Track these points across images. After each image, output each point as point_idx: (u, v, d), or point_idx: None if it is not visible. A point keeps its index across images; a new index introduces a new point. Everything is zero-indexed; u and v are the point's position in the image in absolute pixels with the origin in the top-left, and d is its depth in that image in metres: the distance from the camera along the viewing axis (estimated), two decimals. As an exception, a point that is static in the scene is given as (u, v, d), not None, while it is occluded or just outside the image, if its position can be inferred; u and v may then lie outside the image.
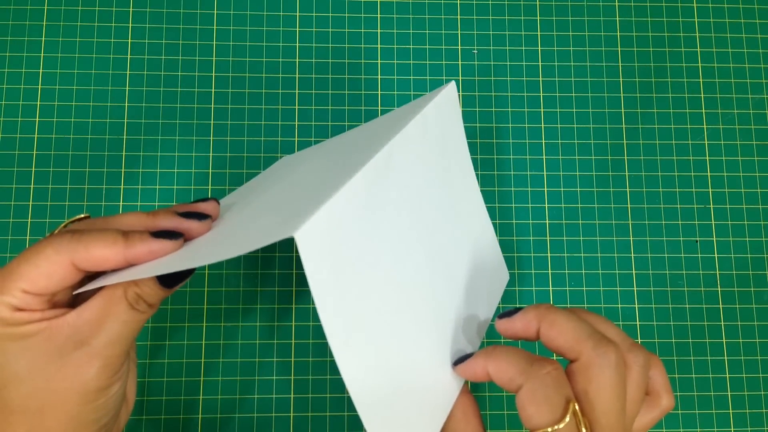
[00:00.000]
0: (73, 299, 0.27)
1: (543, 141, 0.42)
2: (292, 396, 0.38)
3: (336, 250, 0.22)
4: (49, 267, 0.25)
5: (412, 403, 0.25)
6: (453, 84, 0.30)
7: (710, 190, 0.42)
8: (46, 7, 0.41)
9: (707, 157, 0.42)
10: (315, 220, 0.20)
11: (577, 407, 0.24)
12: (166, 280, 0.26)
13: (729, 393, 0.40)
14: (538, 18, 0.43)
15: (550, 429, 0.23)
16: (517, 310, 0.27)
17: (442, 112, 0.30)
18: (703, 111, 0.43)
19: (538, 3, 0.43)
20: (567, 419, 0.23)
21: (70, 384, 0.25)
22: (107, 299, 0.26)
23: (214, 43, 0.41)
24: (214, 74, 0.41)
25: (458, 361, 0.27)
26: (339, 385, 0.38)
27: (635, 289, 0.40)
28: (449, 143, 0.30)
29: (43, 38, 0.41)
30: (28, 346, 0.25)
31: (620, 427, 0.24)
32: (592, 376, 0.24)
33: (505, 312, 0.27)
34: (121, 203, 0.39)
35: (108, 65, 0.41)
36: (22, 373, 0.25)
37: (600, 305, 0.40)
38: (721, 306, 0.41)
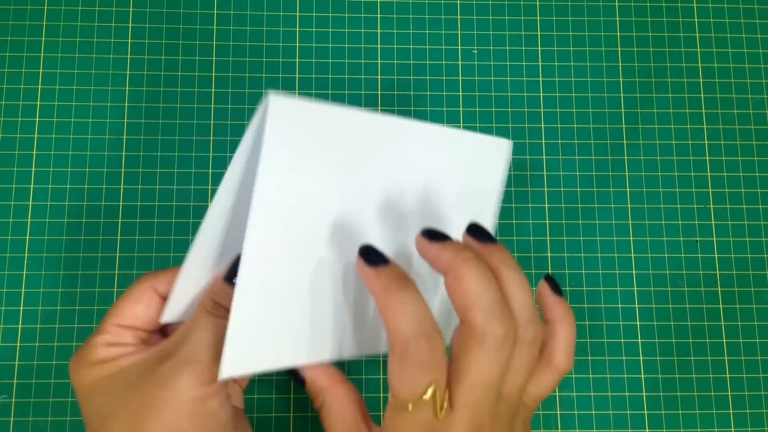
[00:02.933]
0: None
1: (543, 141, 0.42)
2: (292, 396, 0.38)
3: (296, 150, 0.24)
4: (133, 296, 0.28)
5: (278, 327, 0.26)
6: (507, 142, 0.31)
7: (710, 190, 0.42)
8: (46, 7, 0.41)
9: (707, 157, 0.42)
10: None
11: (437, 392, 0.23)
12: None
13: (729, 393, 0.40)
14: (538, 18, 0.43)
15: (410, 405, 0.23)
16: (443, 237, 0.26)
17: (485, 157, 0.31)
18: (703, 111, 0.43)
19: (538, 3, 0.43)
20: (425, 397, 0.23)
21: (162, 393, 0.25)
22: (191, 318, 0.27)
23: (214, 43, 0.41)
24: (214, 74, 0.41)
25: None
26: (339, 385, 0.38)
27: (635, 289, 0.40)
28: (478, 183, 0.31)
29: (43, 38, 0.41)
30: (122, 376, 0.26)
31: (485, 400, 0.24)
32: (467, 348, 0.24)
33: (430, 230, 0.26)
34: (121, 203, 0.39)
35: (108, 65, 0.41)
36: (120, 403, 0.26)
37: (600, 305, 0.40)
38: (721, 306, 0.41)
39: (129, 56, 0.41)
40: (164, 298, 0.29)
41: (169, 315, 0.29)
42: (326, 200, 0.26)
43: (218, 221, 0.27)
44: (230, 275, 0.28)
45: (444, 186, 0.30)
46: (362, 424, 0.27)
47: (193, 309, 0.28)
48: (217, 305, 0.27)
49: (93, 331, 0.29)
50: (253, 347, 0.25)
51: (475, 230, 0.27)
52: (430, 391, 0.23)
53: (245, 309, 0.24)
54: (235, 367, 0.24)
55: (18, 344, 0.37)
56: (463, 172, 0.31)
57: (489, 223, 0.33)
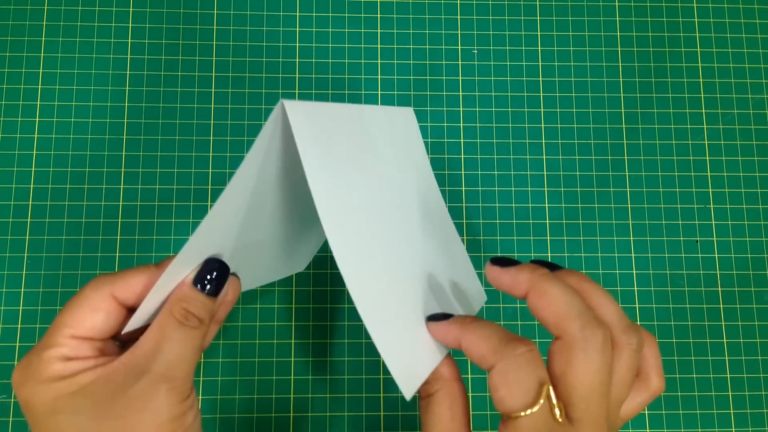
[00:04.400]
0: (122, 349, 0.27)
1: (543, 141, 0.42)
2: (292, 396, 0.38)
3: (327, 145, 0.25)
4: (91, 304, 0.25)
5: (407, 332, 0.25)
6: (410, 110, 0.34)
7: (710, 190, 0.42)
8: (46, 7, 0.41)
9: (707, 157, 0.42)
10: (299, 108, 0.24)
11: (551, 391, 0.22)
12: (208, 286, 0.26)
13: (730, 393, 0.39)
14: (538, 18, 0.43)
15: (522, 413, 0.22)
16: (514, 262, 0.25)
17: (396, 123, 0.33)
18: (703, 111, 0.43)
19: (538, 3, 0.43)
20: (540, 402, 0.22)
21: (141, 416, 0.23)
22: (157, 326, 0.25)
23: (214, 43, 0.41)
24: (214, 74, 0.41)
25: (433, 318, 0.26)
26: (339, 386, 0.38)
27: (636, 289, 0.40)
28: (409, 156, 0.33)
29: (43, 38, 0.41)
30: (87, 394, 0.24)
31: (601, 413, 0.23)
32: (573, 358, 0.23)
33: (500, 258, 0.26)
34: (121, 203, 0.39)
35: (108, 65, 0.41)
36: (90, 425, 0.24)
37: (600, 305, 0.40)
38: (721, 306, 0.41)
39: (129, 56, 0.41)
40: (124, 306, 0.26)
41: (136, 322, 0.26)
42: (363, 179, 0.27)
43: (223, 224, 0.26)
44: (198, 280, 0.26)
45: (403, 166, 0.32)
46: (467, 429, 0.25)
47: (154, 313, 0.26)
48: (188, 315, 0.25)
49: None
50: (407, 352, 0.25)
51: (541, 261, 0.27)
52: (543, 391, 0.22)
53: (379, 311, 0.24)
54: (412, 380, 0.25)
55: (18, 344, 0.37)
56: (402, 147, 0.33)
57: (437, 195, 0.34)
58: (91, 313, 0.25)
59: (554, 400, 0.22)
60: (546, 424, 0.22)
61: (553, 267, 0.27)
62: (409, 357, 0.25)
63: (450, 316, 0.26)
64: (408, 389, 0.24)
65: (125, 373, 0.24)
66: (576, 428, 0.22)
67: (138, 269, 0.26)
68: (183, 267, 0.26)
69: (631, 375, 0.24)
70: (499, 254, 0.26)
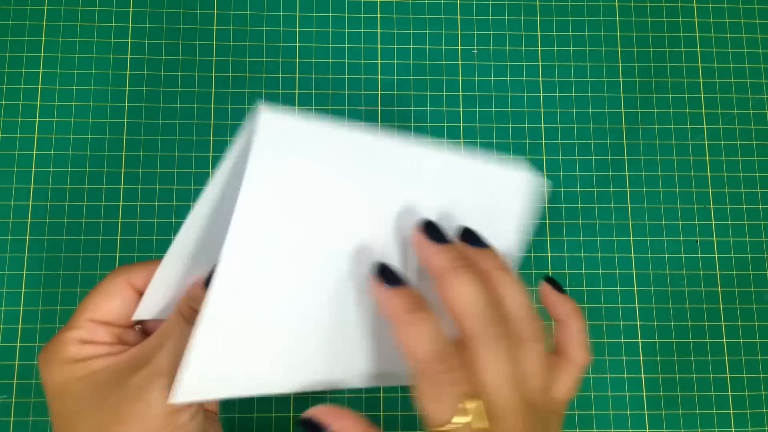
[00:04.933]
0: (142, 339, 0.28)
1: (543, 141, 0.42)
2: (291, 396, 0.38)
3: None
4: (108, 290, 0.27)
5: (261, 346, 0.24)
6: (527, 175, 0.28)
7: (710, 190, 0.42)
8: (46, 7, 0.41)
9: (707, 157, 0.42)
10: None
11: (472, 404, 0.22)
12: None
13: (730, 393, 0.39)
14: (538, 18, 0.43)
15: (447, 427, 0.22)
16: (442, 238, 0.25)
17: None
18: (703, 111, 0.43)
19: (538, 3, 0.43)
20: (462, 417, 0.22)
21: (132, 406, 0.24)
22: (167, 322, 0.26)
23: (214, 43, 0.41)
24: (214, 74, 0.41)
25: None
26: (339, 385, 0.38)
27: (635, 289, 0.40)
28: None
29: (43, 38, 0.41)
30: (92, 380, 0.25)
31: (516, 401, 0.23)
32: (473, 353, 0.23)
33: (431, 227, 0.25)
34: (120, 203, 0.39)
35: (108, 65, 0.41)
36: (88, 411, 0.24)
37: (600, 305, 0.40)
38: (721, 306, 0.41)
39: (129, 56, 0.41)
40: (141, 294, 0.27)
41: (143, 313, 0.27)
42: (322, 220, 0.24)
43: (201, 220, 0.26)
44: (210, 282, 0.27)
45: (456, 220, 0.28)
46: None
47: (170, 309, 0.27)
48: (195, 313, 0.25)
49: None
50: (217, 372, 0.23)
51: (468, 235, 0.27)
52: (464, 407, 0.22)
53: (214, 327, 0.23)
54: (192, 393, 0.23)
55: (18, 344, 0.37)
56: (478, 206, 0.28)
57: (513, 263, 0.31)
58: (108, 299, 0.27)
59: (475, 408, 0.22)
60: None
61: (480, 243, 0.26)
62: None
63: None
64: (183, 393, 0.23)
65: (129, 365, 0.25)
66: (492, 423, 0.22)
67: (155, 261, 0.27)
68: (176, 263, 0.27)
69: (537, 364, 0.24)
70: (431, 220, 0.26)
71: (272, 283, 0.24)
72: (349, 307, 0.26)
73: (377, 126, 0.41)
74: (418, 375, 0.23)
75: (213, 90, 0.41)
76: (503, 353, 0.23)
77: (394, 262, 0.26)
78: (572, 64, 0.43)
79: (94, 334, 0.26)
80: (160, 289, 0.27)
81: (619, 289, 0.40)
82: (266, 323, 0.24)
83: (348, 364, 0.26)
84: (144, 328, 0.29)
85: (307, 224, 0.24)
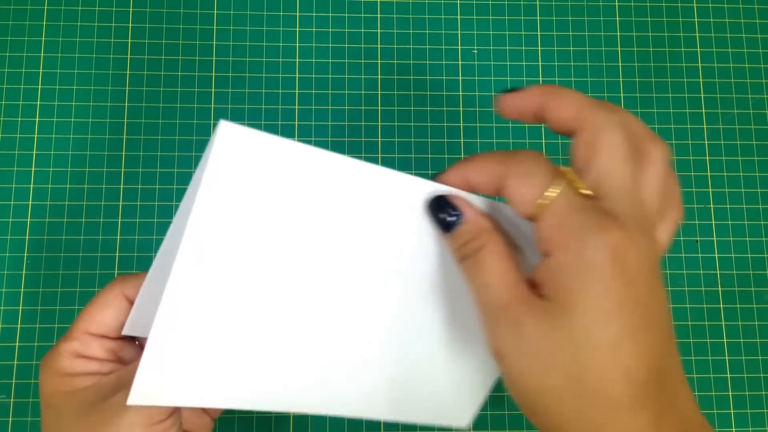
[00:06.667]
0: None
1: (543, 141, 0.42)
2: (292, 396, 0.38)
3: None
4: (103, 300, 0.27)
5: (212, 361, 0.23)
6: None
7: (710, 190, 0.42)
8: (46, 7, 0.41)
9: (707, 157, 0.42)
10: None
11: (571, 172, 0.21)
12: None
13: (730, 393, 0.39)
14: (538, 18, 0.43)
15: (540, 200, 0.20)
16: (519, 89, 0.24)
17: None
18: (703, 111, 0.43)
19: (538, 3, 0.43)
20: (558, 187, 0.20)
21: (107, 427, 0.24)
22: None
23: (214, 43, 0.41)
24: (214, 74, 0.41)
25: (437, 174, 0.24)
26: (339, 386, 0.38)
27: (636, 289, 0.40)
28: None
29: (43, 38, 0.41)
30: (76, 397, 0.25)
31: (635, 202, 0.20)
32: (598, 143, 0.21)
33: (507, 89, 0.24)
34: (120, 203, 0.39)
35: (108, 65, 0.41)
36: (67, 427, 0.25)
37: (600, 305, 0.40)
38: (721, 306, 0.41)
39: (129, 56, 0.41)
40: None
41: (133, 328, 0.27)
42: (283, 233, 0.23)
43: (177, 234, 0.24)
44: None
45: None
46: (522, 277, 0.22)
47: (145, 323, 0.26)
48: None
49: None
50: (171, 378, 0.23)
51: (514, 89, 0.25)
52: (559, 180, 0.20)
53: (166, 332, 0.22)
54: (146, 396, 0.22)
55: (17, 344, 0.37)
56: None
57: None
58: (102, 310, 0.26)
59: (574, 177, 0.21)
60: (573, 202, 0.20)
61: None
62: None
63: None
64: (137, 396, 0.22)
65: (112, 386, 0.25)
66: (603, 203, 0.20)
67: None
68: (160, 277, 0.25)
69: (661, 182, 0.22)
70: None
71: (229, 296, 0.23)
72: (314, 323, 0.25)
73: (377, 126, 0.41)
74: (502, 167, 0.22)
75: (213, 90, 0.41)
76: (629, 148, 0.21)
77: (350, 275, 0.25)
78: (572, 64, 0.43)
79: (87, 348, 0.26)
80: (147, 303, 0.26)
81: (619, 289, 0.40)
82: (224, 336, 0.23)
83: (318, 389, 0.25)
84: (141, 344, 0.29)
85: (268, 237, 0.23)
